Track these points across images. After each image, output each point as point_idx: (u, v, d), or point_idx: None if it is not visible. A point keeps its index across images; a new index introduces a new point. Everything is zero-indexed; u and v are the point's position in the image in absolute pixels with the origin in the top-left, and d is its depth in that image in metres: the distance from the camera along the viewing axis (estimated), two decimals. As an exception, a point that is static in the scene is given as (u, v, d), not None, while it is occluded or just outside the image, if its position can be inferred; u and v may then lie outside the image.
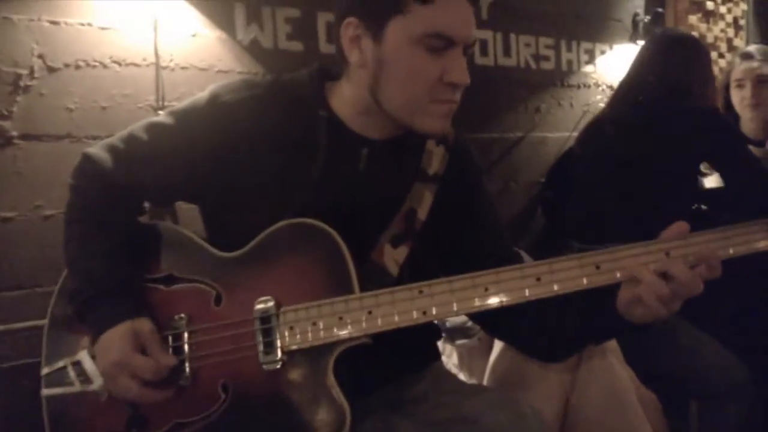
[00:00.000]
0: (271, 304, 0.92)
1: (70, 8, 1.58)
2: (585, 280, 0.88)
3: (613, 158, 1.92)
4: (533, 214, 2.58)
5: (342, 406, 0.87)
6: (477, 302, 0.89)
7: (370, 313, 0.89)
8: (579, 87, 2.72)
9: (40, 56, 1.55)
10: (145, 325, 0.94)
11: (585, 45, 2.71)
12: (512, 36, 2.47)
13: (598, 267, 0.88)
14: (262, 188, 0.98)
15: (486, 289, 0.88)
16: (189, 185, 1.03)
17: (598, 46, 2.77)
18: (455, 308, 0.89)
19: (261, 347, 0.91)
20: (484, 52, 2.39)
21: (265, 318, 0.92)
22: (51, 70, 1.57)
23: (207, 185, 1.01)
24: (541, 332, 1.02)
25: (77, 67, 1.60)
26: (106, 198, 1.03)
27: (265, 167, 0.98)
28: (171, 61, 1.72)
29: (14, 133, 1.53)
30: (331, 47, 1.94)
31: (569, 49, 2.66)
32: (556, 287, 0.88)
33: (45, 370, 1.03)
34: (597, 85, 2.77)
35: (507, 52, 2.45)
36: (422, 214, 1.02)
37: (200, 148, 0.98)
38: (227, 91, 0.99)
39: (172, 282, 1.00)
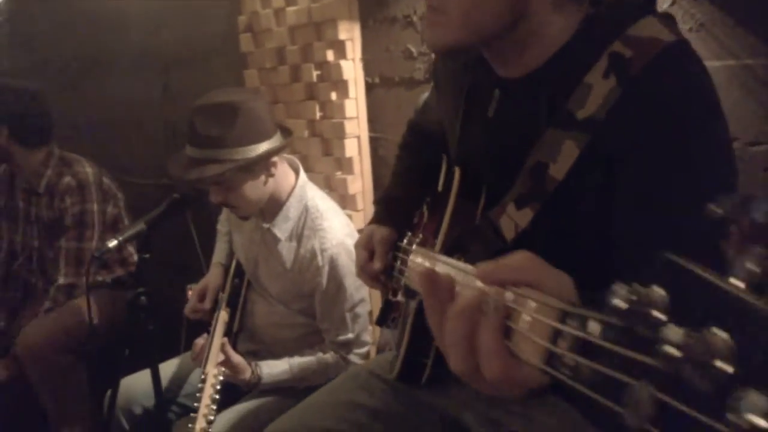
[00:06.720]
0: (416, 239, 1.03)
1: None
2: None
3: None
4: None
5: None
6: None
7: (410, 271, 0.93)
8: None
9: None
10: (378, 232, 1.10)
11: None
12: None
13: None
14: (445, 125, 1.03)
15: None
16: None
17: None
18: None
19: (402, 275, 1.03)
20: None
21: (407, 250, 1.03)
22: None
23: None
24: None
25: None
26: (409, 136, 1.25)
27: (444, 106, 1.03)
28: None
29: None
30: None
31: None
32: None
33: None
34: None
35: None
36: (557, 171, 0.75)
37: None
38: None
39: (426, 207, 1.16)
